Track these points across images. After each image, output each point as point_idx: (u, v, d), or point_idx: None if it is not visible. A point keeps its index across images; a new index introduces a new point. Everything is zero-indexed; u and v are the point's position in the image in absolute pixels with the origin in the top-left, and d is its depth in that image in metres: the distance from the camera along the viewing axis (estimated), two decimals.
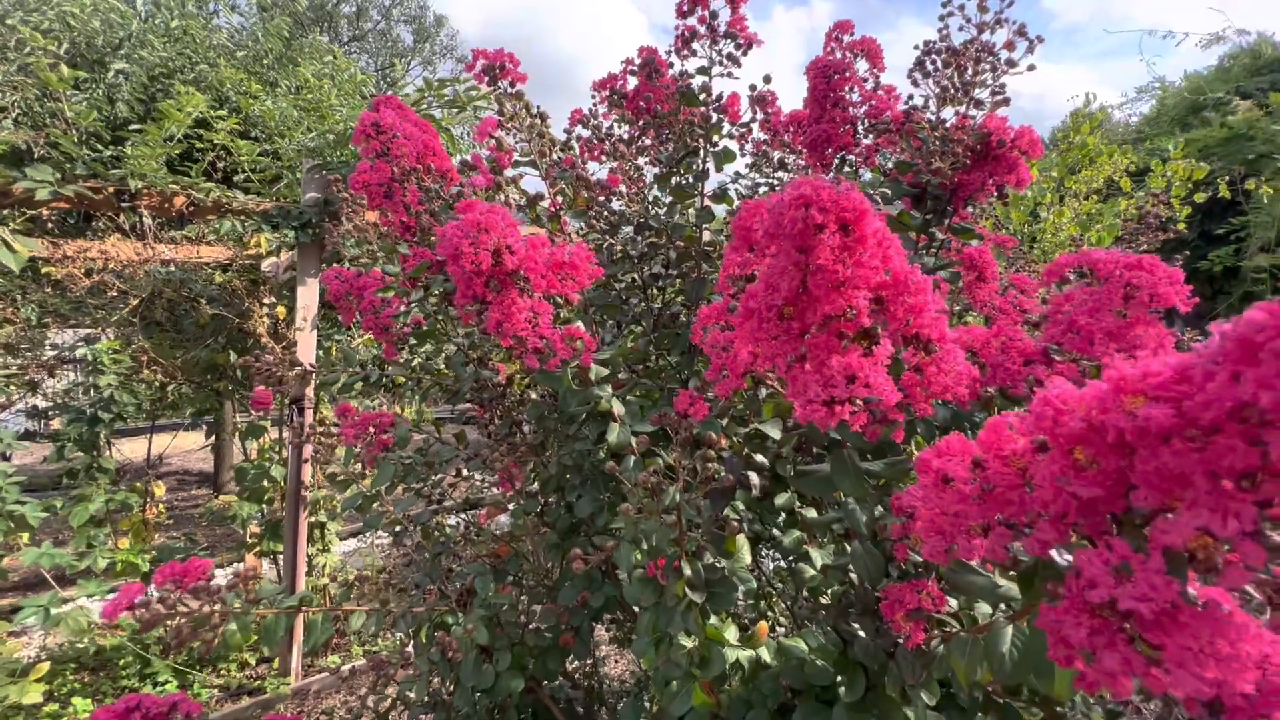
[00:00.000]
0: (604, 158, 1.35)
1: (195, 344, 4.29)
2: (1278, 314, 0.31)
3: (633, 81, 1.38)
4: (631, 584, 1.02)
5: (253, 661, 3.78)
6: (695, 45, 1.02)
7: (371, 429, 1.52)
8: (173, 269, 4.13)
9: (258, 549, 3.95)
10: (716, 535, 0.86)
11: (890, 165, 1.41)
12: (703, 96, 1.05)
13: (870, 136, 1.39)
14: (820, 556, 0.91)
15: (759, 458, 0.85)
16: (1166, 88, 6.55)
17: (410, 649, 1.17)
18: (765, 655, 1.09)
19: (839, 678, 0.88)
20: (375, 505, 1.29)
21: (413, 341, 1.74)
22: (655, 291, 1.43)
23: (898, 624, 0.75)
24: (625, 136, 1.38)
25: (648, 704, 1.97)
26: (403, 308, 1.74)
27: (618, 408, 0.89)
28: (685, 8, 1.00)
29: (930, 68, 1.06)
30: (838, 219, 0.49)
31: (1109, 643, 0.35)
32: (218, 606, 0.84)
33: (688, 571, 0.84)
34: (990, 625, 0.65)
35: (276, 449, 4.03)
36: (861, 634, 0.86)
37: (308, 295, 3.69)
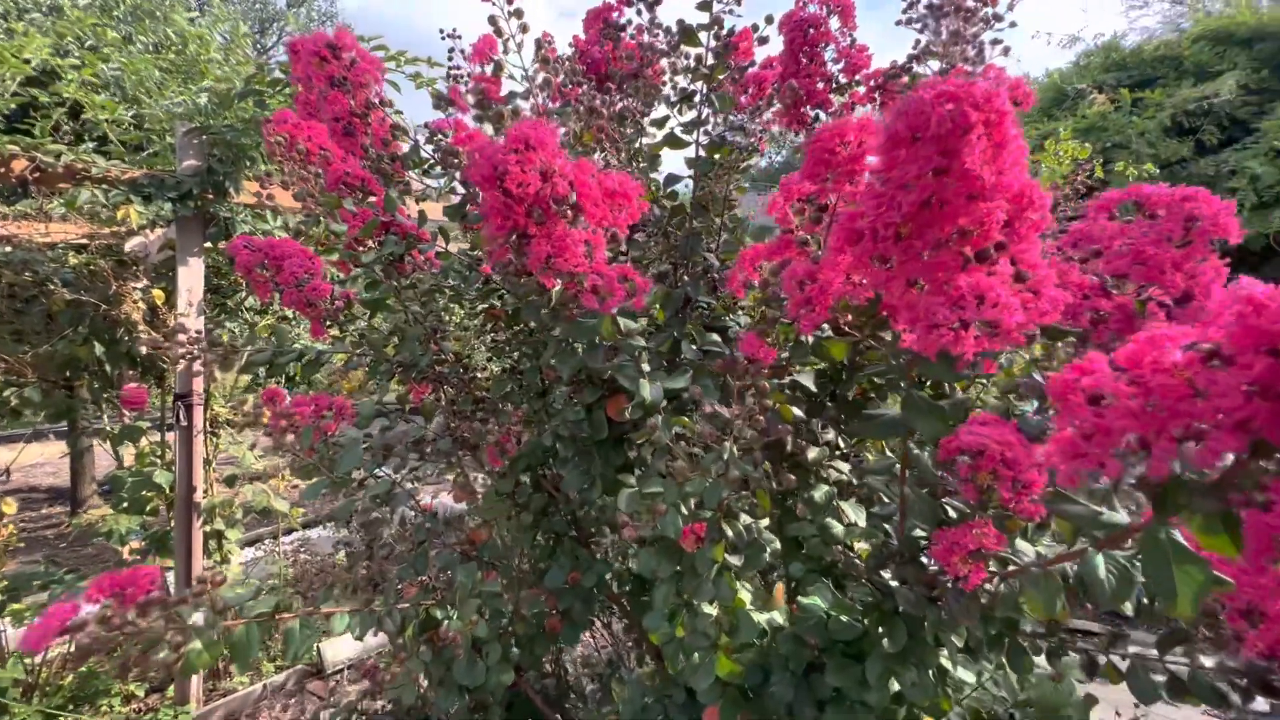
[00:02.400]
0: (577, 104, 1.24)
1: (46, 337, 3.67)
2: None
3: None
4: (645, 554, 0.96)
5: (140, 693, 3.34)
6: None
7: (323, 411, 1.34)
8: (9, 249, 3.51)
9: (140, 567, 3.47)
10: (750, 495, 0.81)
11: None
12: (702, 36, 0.98)
13: (844, 94, 1.38)
14: (851, 511, 0.89)
15: (796, 411, 0.81)
16: (1033, 81, 7.25)
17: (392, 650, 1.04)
18: (779, 618, 1.06)
19: (876, 630, 0.86)
20: (343, 493, 1.13)
21: (352, 315, 1.56)
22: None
23: (954, 567, 0.73)
24: (593, 92, 1.28)
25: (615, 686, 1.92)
26: (332, 275, 1.55)
27: (645, 364, 0.81)
28: None
29: (928, 17, 1.06)
30: (986, 119, 0.44)
31: None
32: (173, 623, 0.69)
33: (729, 534, 0.78)
34: (1068, 557, 0.65)
35: (160, 452, 3.55)
36: (895, 584, 0.85)
37: (191, 276, 3.25)
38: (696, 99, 1.03)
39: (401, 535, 1.13)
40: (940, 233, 0.49)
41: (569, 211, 0.63)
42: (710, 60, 0.97)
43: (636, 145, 1.13)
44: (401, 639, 0.99)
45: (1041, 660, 0.84)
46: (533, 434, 1.30)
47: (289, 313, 4.04)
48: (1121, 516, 0.55)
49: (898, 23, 1.14)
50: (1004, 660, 0.86)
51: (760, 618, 1.00)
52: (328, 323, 1.56)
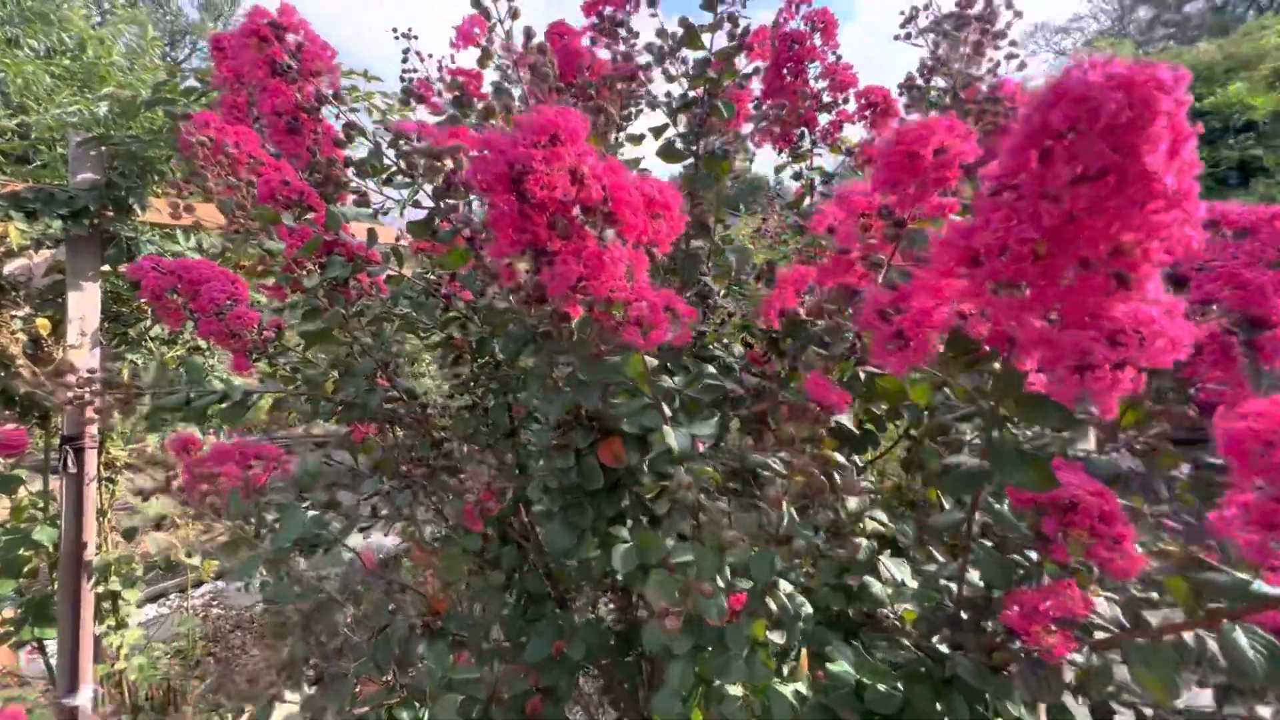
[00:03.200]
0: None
1: None
2: None
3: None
4: (655, 627, 0.82)
5: None
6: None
7: (248, 460, 1.12)
8: None
9: (13, 640, 2.98)
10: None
11: (850, 148, 1.36)
12: (706, 38, 0.89)
13: (831, 112, 1.32)
14: (894, 567, 0.79)
15: (839, 457, 0.70)
16: None
17: None
18: (803, 688, 0.94)
19: (926, 701, 0.76)
20: (282, 568, 0.93)
21: (282, 346, 1.35)
22: None
23: (1034, 635, 0.64)
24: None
25: None
26: (257, 300, 1.35)
27: (666, 409, 0.68)
28: None
29: (938, 31, 1.01)
30: (1170, 109, 0.35)
31: None
32: None
33: (773, 606, 0.66)
34: (1179, 627, 0.56)
35: (42, 504, 3.07)
36: (945, 649, 0.75)
37: (84, 303, 2.88)
38: (696, 107, 0.93)
39: (358, 619, 0.94)
40: (1094, 251, 0.39)
41: (600, 223, 0.50)
42: (716, 62, 0.87)
43: (619, 153, 1.02)
44: None
45: None
46: (503, 481, 1.14)
47: (204, 343, 3.65)
48: (1272, 589, 0.47)
49: (896, 38, 1.09)
50: None
51: (786, 690, 0.88)
52: (254, 355, 1.35)
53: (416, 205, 0.92)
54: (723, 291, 1.22)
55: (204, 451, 1.26)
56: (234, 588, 4.59)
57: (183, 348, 3.88)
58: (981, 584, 0.70)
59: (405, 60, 1.27)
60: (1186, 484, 0.74)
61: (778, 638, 0.70)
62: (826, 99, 1.30)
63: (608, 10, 0.91)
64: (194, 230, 3.26)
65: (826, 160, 1.38)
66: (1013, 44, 1.05)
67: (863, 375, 0.64)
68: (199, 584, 4.37)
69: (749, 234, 3.39)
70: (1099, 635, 0.62)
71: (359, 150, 0.81)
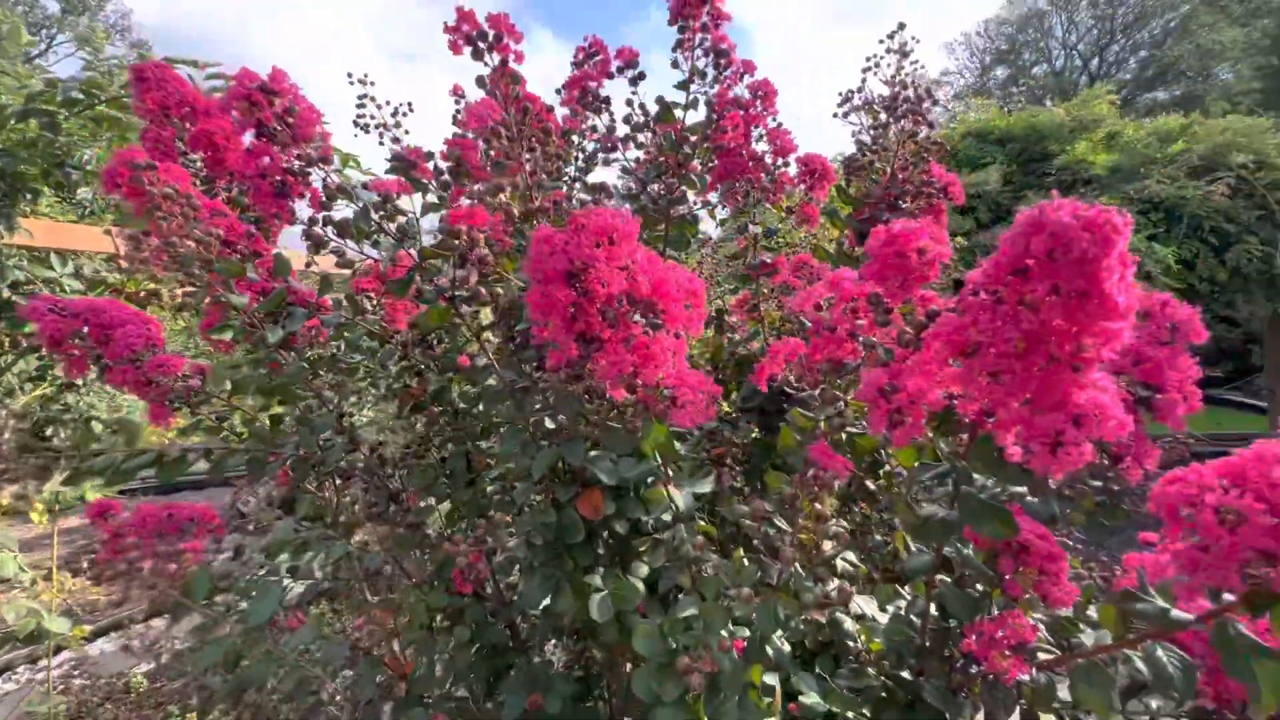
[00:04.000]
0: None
1: None
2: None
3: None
4: (644, 674, 0.84)
5: None
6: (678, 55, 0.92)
7: (181, 524, 1.04)
8: None
9: None
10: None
11: (790, 206, 1.48)
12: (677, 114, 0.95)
13: (773, 175, 1.44)
14: (863, 603, 0.87)
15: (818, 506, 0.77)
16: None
17: None
18: None
19: None
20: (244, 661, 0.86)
21: (205, 394, 1.27)
22: None
23: (993, 662, 0.73)
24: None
25: None
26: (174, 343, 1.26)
27: (669, 470, 0.72)
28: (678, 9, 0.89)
29: (866, 115, 1.14)
30: (1121, 245, 0.45)
31: None
32: None
33: (771, 653, 0.71)
34: (1109, 648, 0.67)
35: None
36: (910, 677, 0.83)
37: None
38: (667, 175, 0.99)
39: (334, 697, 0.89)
40: (1062, 349, 0.48)
41: (642, 312, 0.54)
42: (693, 138, 0.94)
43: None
44: None
45: None
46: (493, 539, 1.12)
47: (82, 379, 3.26)
48: (1186, 615, 0.57)
49: (834, 115, 1.22)
50: None
51: None
52: (175, 405, 1.26)
53: (393, 264, 0.92)
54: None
55: (124, 516, 1.15)
56: (100, 649, 4.07)
57: (50, 385, 3.45)
58: (940, 616, 0.78)
59: (362, 105, 1.25)
60: (1079, 514, 0.88)
61: (773, 680, 0.75)
62: (769, 161, 1.42)
63: (591, 85, 0.96)
64: (77, 256, 2.94)
65: (769, 216, 1.49)
66: (931, 125, 1.21)
67: (844, 437, 0.72)
68: (60, 649, 3.86)
69: None
70: (1043, 657, 0.72)
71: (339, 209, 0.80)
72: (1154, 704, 0.84)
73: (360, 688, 0.89)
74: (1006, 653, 0.72)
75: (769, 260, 1.32)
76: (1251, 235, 5.86)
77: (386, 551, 1.10)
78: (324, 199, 0.75)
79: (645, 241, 1.17)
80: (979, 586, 0.79)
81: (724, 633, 0.68)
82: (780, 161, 1.44)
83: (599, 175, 1.30)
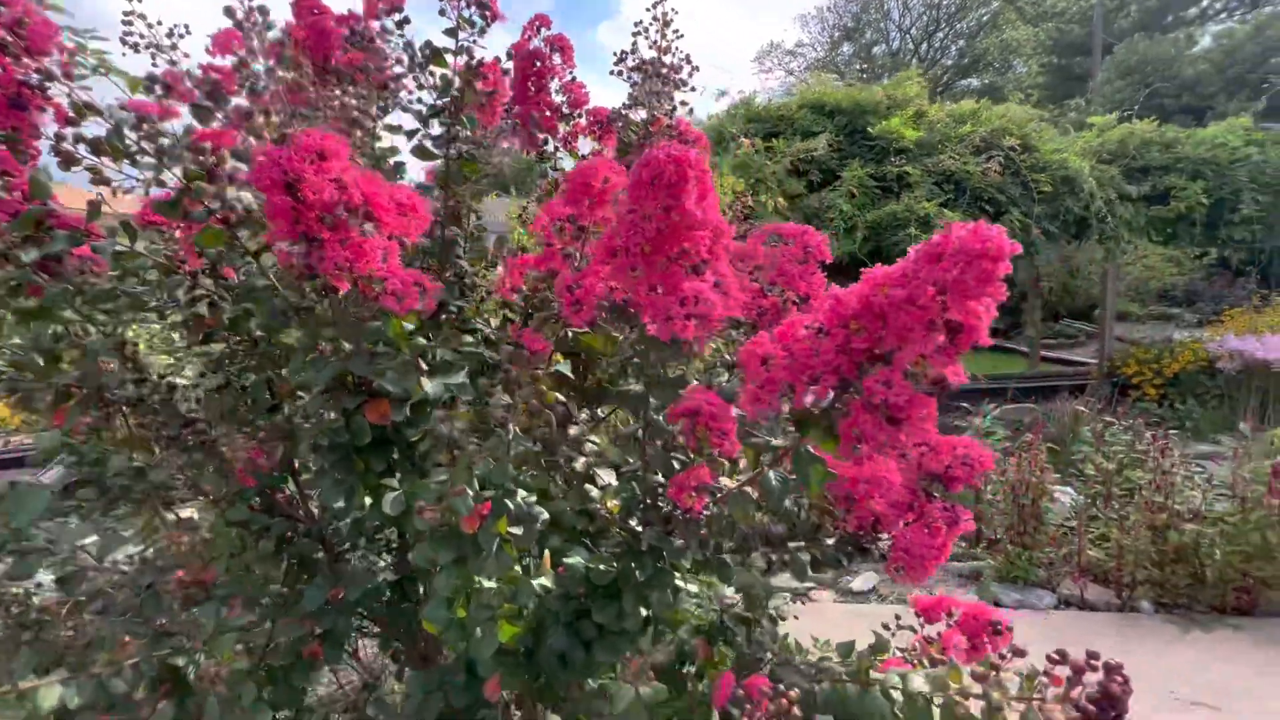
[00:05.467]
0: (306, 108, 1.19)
1: None
2: (950, 240, 0.61)
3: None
4: (423, 546, 1.00)
5: None
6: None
7: None
8: None
9: None
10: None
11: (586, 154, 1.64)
12: (448, 58, 1.05)
13: (569, 124, 1.58)
14: (604, 475, 1.08)
15: (558, 395, 0.95)
16: (697, 123, 8.79)
17: None
18: (548, 583, 1.20)
19: (628, 569, 1.06)
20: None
21: None
22: None
23: (684, 501, 0.97)
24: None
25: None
26: None
27: (423, 364, 0.86)
28: None
29: (637, 75, 1.31)
30: (698, 174, 0.65)
31: (876, 424, 0.62)
32: None
33: (510, 506, 0.89)
34: (753, 480, 0.93)
35: None
36: (640, 528, 1.06)
37: None
38: (445, 115, 1.10)
39: (114, 584, 0.94)
40: (670, 251, 0.69)
41: (361, 220, 0.66)
42: (459, 83, 1.05)
43: (375, 151, 1.15)
44: (137, 697, 0.84)
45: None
46: (272, 440, 1.20)
47: None
48: (782, 441, 0.83)
49: (610, 73, 1.38)
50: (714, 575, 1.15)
51: (534, 583, 1.13)
52: None
53: (159, 185, 0.95)
54: (481, 272, 1.42)
55: None
56: None
57: None
58: (658, 476, 1.02)
59: (128, 25, 1.21)
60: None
61: (518, 531, 0.94)
62: (565, 111, 1.56)
63: (360, 27, 1.02)
64: None
65: (568, 163, 1.65)
66: (693, 89, 1.41)
67: (570, 334, 0.90)
68: None
69: (516, 215, 3.59)
70: (720, 495, 0.97)
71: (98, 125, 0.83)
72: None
73: (141, 574, 0.96)
74: (692, 494, 0.96)
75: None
76: (1015, 207, 7.04)
77: (180, 471, 1.14)
78: (70, 115, 0.77)
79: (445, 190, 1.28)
80: (685, 453, 1.03)
81: (469, 491, 0.85)
82: (576, 112, 1.59)
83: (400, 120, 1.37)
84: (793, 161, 7.35)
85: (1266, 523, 3.29)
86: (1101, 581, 3.86)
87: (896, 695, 0.84)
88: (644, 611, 1.07)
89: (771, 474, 0.85)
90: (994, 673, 0.74)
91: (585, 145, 1.56)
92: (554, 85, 1.56)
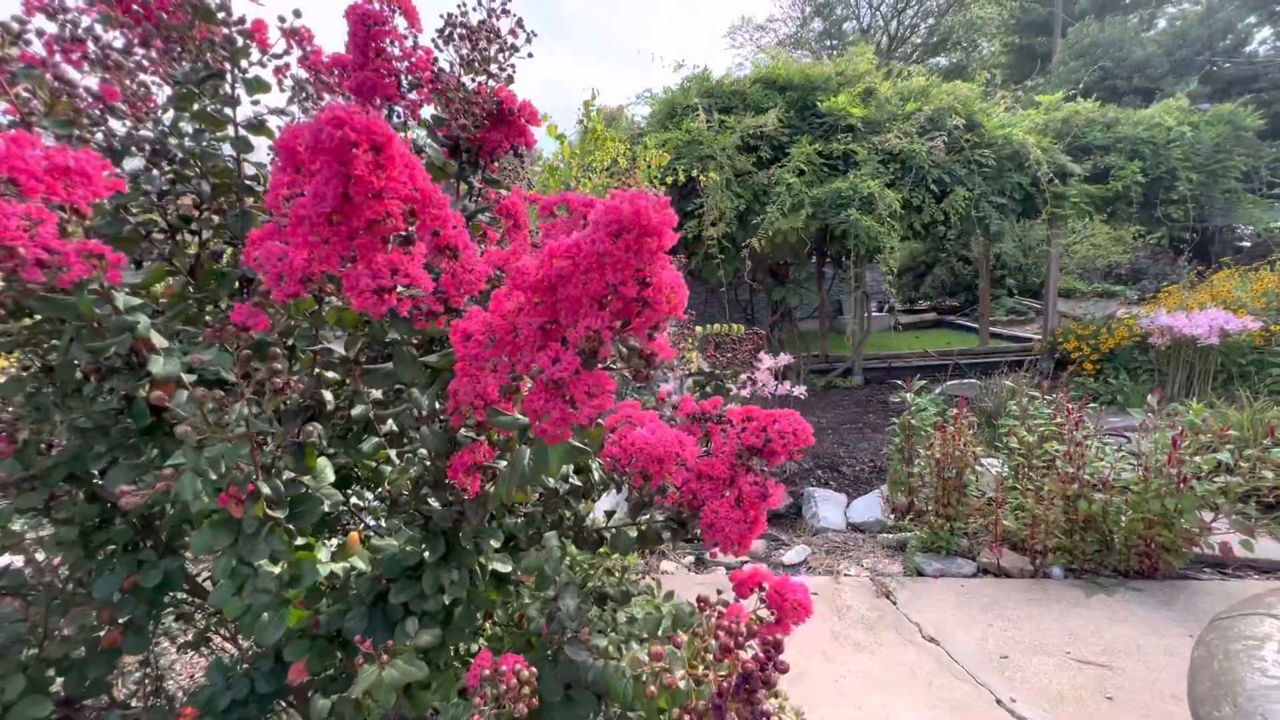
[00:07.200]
0: (89, 65, 1.12)
1: None
2: (615, 208, 0.58)
3: None
4: (200, 533, 0.97)
5: None
6: None
7: None
8: None
9: None
10: (296, 452, 0.90)
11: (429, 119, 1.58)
12: (221, 16, 0.99)
13: (413, 91, 1.52)
14: (395, 455, 1.05)
15: (330, 374, 0.92)
16: (654, 97, 8.64)
17: None
18: (360, 564, 1.18)
19: (425, 551, 1.05)
20: None
21: None
22: (189, 235, 1.27)
23: (462, 481, 0.95)
24: (119, 45, 1.17)
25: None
26: None
27: (158, 339, 0.82)
28: None
29: (455, 38, 1.26)
30: (369, 139, 0.61)
31: (550, 399, 0.60)
32: None
33: (266, 490, 0.86)
34: (517, 454, 0.91)
35: None
36: (436, 505, 1.04)
37: None
38: (229, 79, 1.04)
39: None
40: (358, 221, 0.65)
41: (4, 186, 0.61)
42: (239, 42, 0.99)
43: (166, 119, 1.09)
44: None
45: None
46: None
47: None
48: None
49: (433, 40, 1.32)
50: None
51: (337, 566, 1.10)
52: None
53: None
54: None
55: None
56: None
57: None
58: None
59: None
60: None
61: (279, 514, 0.91)
62: (409, 78, 1.50)
63: None
64: None
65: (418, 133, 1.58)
66: (530, 56, 1.36)
67: (326, 309, 0.86)
68: None
69: None
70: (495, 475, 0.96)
71: None
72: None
73: None
74: (466, 474, 0.94)
75: None
76: (960, 186, 7.11)
77: None
78: None
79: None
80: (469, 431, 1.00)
81: (210, 472, 0.81)
82: (414, 78, 1.53)
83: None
84: (742, 137, 7.29)
85: (1166, 490, 3.42)
86: (1018, 549, 3.99)
87: (629, 671, 0.84)
88: (443, 594, 1.06)
89: (526, 451, 0.83)
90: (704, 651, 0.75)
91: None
92: (395, 50, 1.49)
